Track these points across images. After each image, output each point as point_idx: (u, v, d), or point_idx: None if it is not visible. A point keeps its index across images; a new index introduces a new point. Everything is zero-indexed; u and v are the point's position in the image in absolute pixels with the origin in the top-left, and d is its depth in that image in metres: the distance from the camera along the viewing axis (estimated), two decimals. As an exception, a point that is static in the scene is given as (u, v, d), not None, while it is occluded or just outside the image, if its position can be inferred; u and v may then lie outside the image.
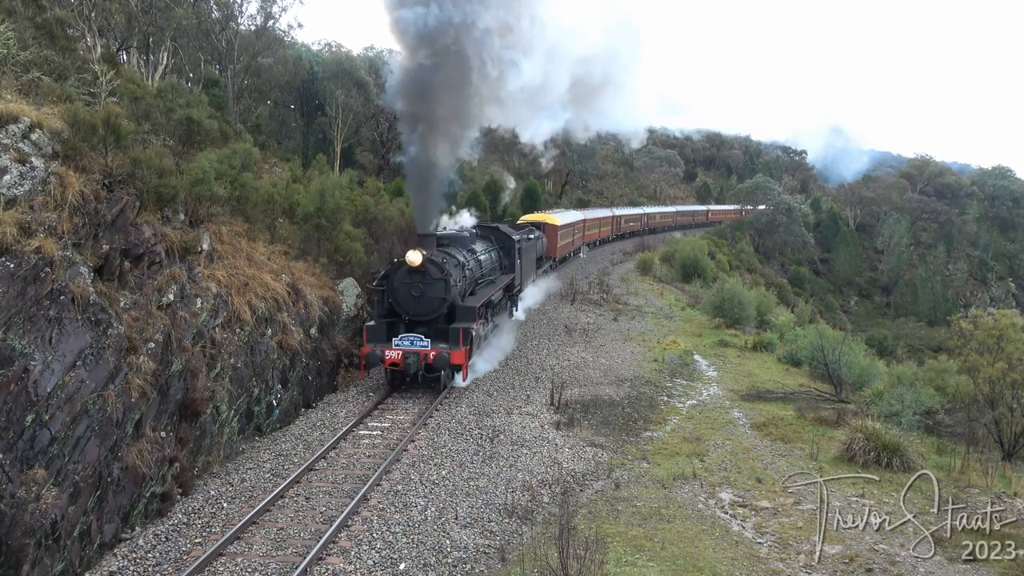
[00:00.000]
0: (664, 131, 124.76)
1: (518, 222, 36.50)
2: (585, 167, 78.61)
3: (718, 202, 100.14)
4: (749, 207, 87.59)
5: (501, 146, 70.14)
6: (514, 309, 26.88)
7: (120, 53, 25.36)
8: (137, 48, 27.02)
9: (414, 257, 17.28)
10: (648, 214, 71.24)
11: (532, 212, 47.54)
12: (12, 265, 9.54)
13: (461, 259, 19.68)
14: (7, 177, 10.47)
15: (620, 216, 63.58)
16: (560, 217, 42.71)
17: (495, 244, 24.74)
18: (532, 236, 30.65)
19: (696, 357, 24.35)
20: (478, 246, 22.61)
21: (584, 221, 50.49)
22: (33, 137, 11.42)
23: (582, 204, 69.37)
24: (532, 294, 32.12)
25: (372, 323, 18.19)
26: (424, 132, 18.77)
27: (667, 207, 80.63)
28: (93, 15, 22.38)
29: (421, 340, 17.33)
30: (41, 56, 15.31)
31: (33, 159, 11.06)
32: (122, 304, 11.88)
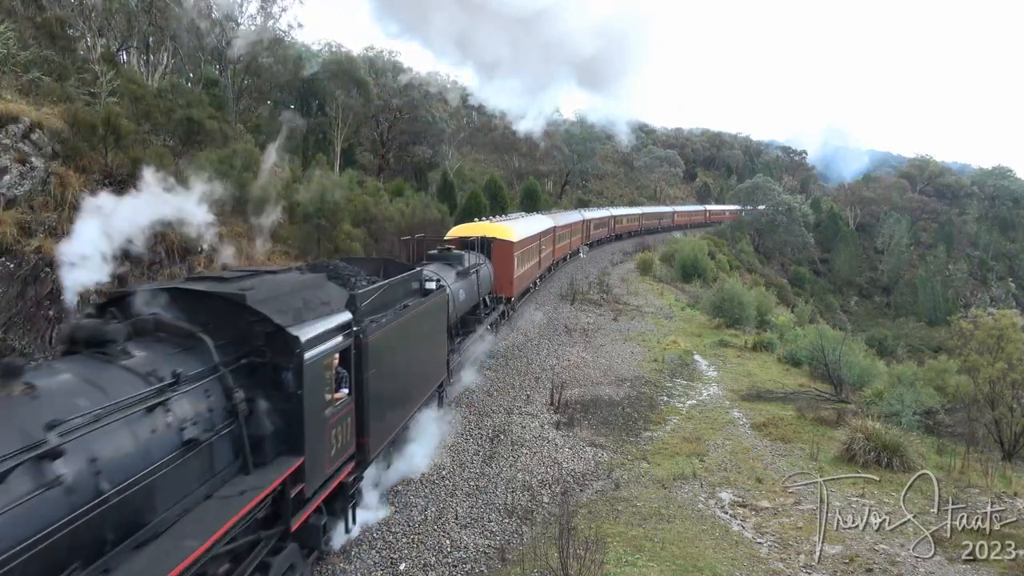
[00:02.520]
0: (664, 130, 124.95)
1: (447, 237, 24.61)
2: (585, 167, 78.69)
3: (718, 202, 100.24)
4: (713, 208, 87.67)
5: (502, 145, 70.25)
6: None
7: (120, 53, 25.37)
8: (137, 48, 27.02)
9: None
10: (615, 217, 62.40)
11: (529, 212, 39.45)
12: (12, 265, 9.54)
13: None
14: (7, 177, 10.48)
15: (590, 220, 53.35)
16: (517, 227, 27.55)
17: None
18: (431, 286, 13.88)
19: (696, 357, 24.35)
20: None
21: (554, 230, 37.63)
22: (33, 137, 11.43)
23: (582, 204, 69.36)
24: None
25: None
26: None
27: (632, 209, 71.68)
28: (93, 15, 22.38)
29: None
30: (41, 56, 15.32)
31: (33, 159, 11.06)
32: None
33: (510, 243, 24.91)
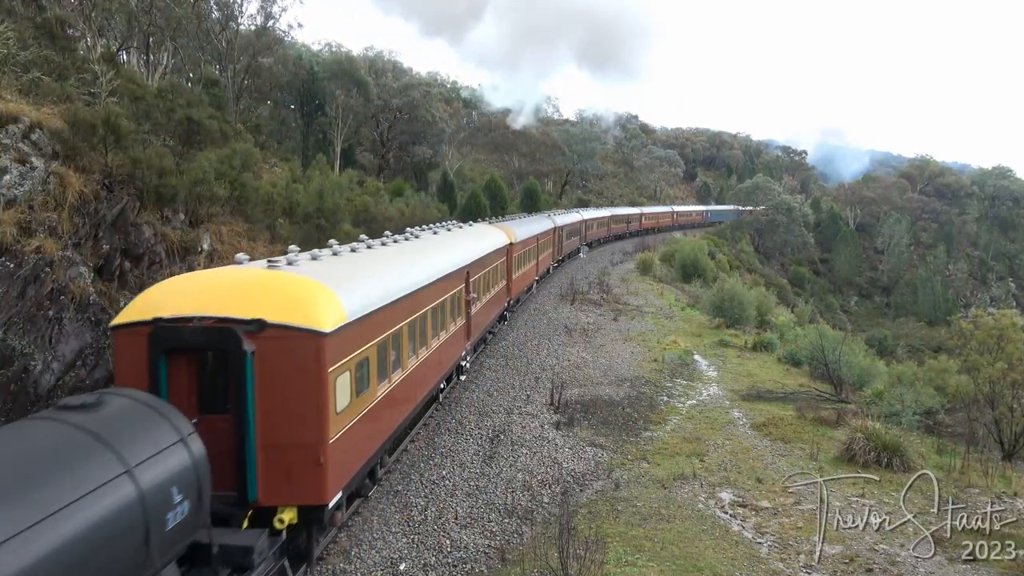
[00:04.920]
0: (664, 129, 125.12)
1: (114, 322, 8.51)
2: (585, 167, 78.72)
3: (718, 202, 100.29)
4: (680, 209, 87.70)
5: (502, 145, 70.26)
6: None
7: (120, 53, 25.38)
8: (137, 48, 27.03)
9: None
10: (586, 221, 52.38)
11: (502, 218, 31.00)
12: (12, 265, 9.54)
13: None
14: (7, 177, 10.47)
15: (562, 227, 41.55)
16: (363, 284, 10.75)
17: None
18: None
19: (696, 357, 24.35)
20: None
21: (509, 250, 25.20)
22: (33, 137, 11.43)
23: (582, 204, 69.35)
24: None
25: None
26: None
27: (602, 211, 63.33)
28: (93, 15, 22.38)
29: None
30: (41, 56, 15.32)
31: (33, 159, 11.06)
32: (122, 304, 11.87)
33: (316, 337, 8.61)
